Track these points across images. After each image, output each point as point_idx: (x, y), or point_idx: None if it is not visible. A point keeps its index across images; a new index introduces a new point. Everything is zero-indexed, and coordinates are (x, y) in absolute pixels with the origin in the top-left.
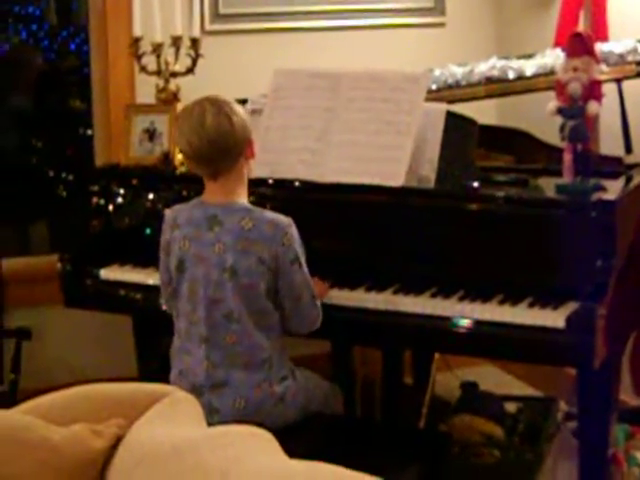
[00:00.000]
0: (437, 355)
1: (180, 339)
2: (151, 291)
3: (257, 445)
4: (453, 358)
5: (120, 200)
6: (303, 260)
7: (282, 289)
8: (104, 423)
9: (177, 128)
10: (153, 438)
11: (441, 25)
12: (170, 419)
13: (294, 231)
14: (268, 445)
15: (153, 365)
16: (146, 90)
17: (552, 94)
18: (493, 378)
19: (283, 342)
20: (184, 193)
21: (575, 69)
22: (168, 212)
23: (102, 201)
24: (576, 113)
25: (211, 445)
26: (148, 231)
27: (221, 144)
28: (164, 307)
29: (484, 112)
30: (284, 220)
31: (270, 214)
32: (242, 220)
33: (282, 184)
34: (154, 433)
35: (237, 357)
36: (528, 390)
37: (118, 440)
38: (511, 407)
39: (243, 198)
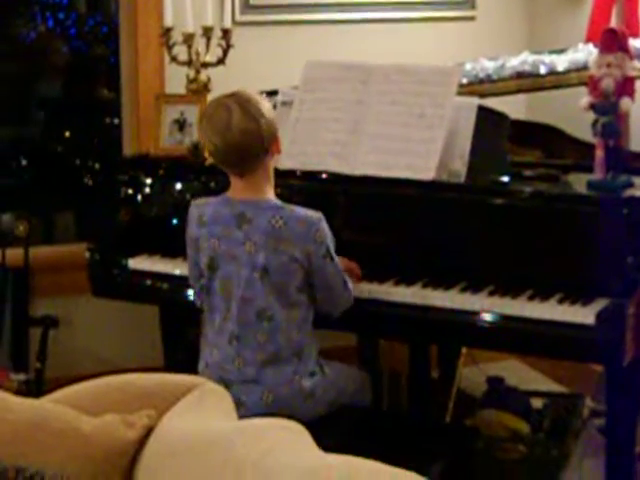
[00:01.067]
0: (464, 349)
1: (213, 332)
2: (178, 281)
3: (290, 438)
4: (478, 352)
5: (149, 190)
6: (333, 251)
7: (317, 282)
8: (135, 414)
9: (201, 126)
10: (184, 430)
11: (472, 19)
12: (201, 411)
13: (325, 225)
14: (301, 438)
15: (179, 355)
16: (175, 80)
17: (581, 89)
18: (518, 373)
19: (313, 334)
20: (212, 185)
21: (608, 65)
22: (193, 208)
23: (131, 191)
24: (609, 109)
25: (243, 438)
26: (177, 222)
27: (248, 147)
28: (197, 302)
29: (513, 107)
30: (315, 216)
31: (301, 211)
32: (272, 218)
33: (312, 176)
34: (185, 425)
35: (268, 355)
36: (553, 386)
37: (149, 431)
38: (537, 403)
39: (270, 194)
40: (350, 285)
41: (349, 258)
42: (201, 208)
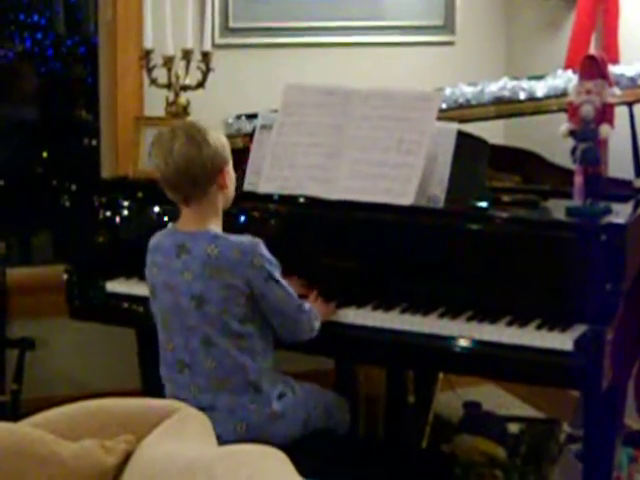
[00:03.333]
0: (441, 374)
1: (162, 367)
2: None
3: (271, 464)
4: (455, 377)
5: (127, 213)
6: (278, 274)
7: (264, 308)
8: (113, 439)
9: (152, 151)
10: (164, 455)
11: (451, 43)
12: (180, 436)
13: (262, 249)
14: (282, 464)
15: (156, 379)
16: (154, 103)
17: (559, 115)
18: (495, 398)
19: (273, 362)
20: None
21: (588, 92)
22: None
23: (109, 213)
24: (588, 136)
25: (224, 464)
26: None
27: (188, 172)
28: None
29: (491, 132)
30: (250, 242)
31: (235, 238)
32: (208, 247)
33: (290, 200)
34: (164, 450)
35: (220, 381)
36: (530, 411)
37: (127, 456)
38: (514, 428)
39: (214, 225)
40: (307, 307)
41: (325, 283)
42: (154, 238)
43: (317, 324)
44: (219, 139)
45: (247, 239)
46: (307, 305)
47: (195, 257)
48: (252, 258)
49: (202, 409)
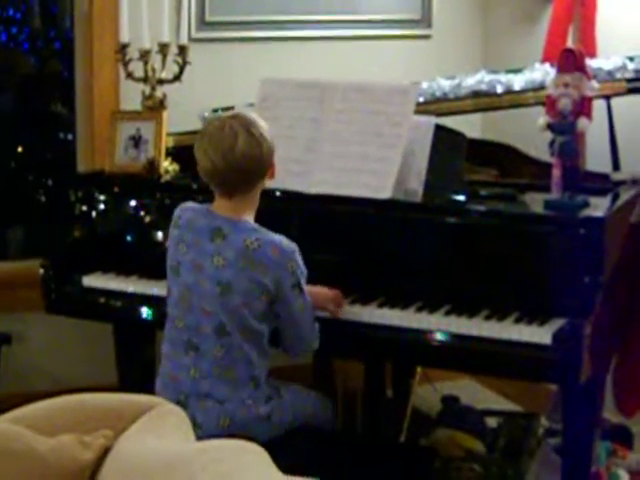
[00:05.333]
0: (419, 368)
1: (167, 342)
2: (132, 299)
3: (250, 460)
4: (433, 371)
5: (103, 207)
6: (304, 285)
7: (281, 313)
8: (91, 434)
9: (200, 144)
10: (142, 451)
11: (427, 37)
12: (158, 432)
13: (299, 257)
14: (261, 460)
15: (133, 373)
16: (130, 96)
17: (536, 109)
18: (473, 392)
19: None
20: (167, 201)
21: (566, 85)
22: (177, 209)
23: (85, 208)
24: (566, 129)
25: (203, 460)
26: (131, 239)
27: (248, 171)
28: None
29: (468, 126)
30: (290, 245)
31: (276, 237)
32: (248, 238)
33: (266, 193)
34: (143, 446)
35: (224, 370)
36: (508, 405)
37: (105, 452)
38: (492, 422)
39: (250, 217)
40: (317, 328)
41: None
42: (182, 210)
43: (317, 344)
44: (268, 131)
45: (286, 241)
46: (317, 325)
47: (231, 245)
48: (288, 261)
49: (196, 395)
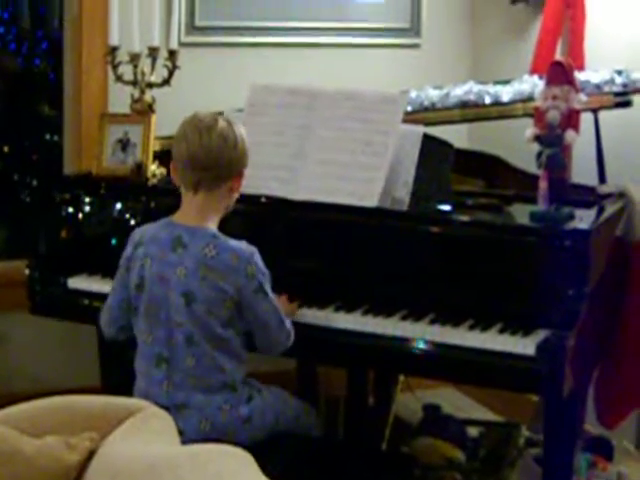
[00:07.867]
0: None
1: (137, 360)
2: None
3: (236, 464)
4: (414, 379)
5: (90, 209)
6: (268, 287)
7: (248, 318)
8: (77, 436)
9: (181, 128)
10: (127, 454)
11: (416, 46)
12: (144, 435)
13: (258, 260)
14: (246, 464)
15: (116, 377)
16: (119, 99)
17: (523, 120)
18: (454, 401)
19: (246, 366)
20: (153, 205)
21: (554, 97)
22: (135, 231)
23: (72, 210)
24: (554, 141)
25: (190, 464)
26: (117, 242)
27: (217, 159)
28: (103, 328)
29: (455, 136)
30: (248, 250)
31: (234, 243)
32: (206, 247)
33: (253, 200)
34: (128, 448)
35: (197, 379)
36: (489, 414)
37: (91, 454)
38: (473, 431)
39: (212, 224)
40: (288, 325)
41: (287, 283)
42: (143, 230)
43: (291, 340)
44: (248, 142)
45: (244, 245)
46: (289, 322)
47: (191, 254)
48: (247, 266)
49: (173, 406)
